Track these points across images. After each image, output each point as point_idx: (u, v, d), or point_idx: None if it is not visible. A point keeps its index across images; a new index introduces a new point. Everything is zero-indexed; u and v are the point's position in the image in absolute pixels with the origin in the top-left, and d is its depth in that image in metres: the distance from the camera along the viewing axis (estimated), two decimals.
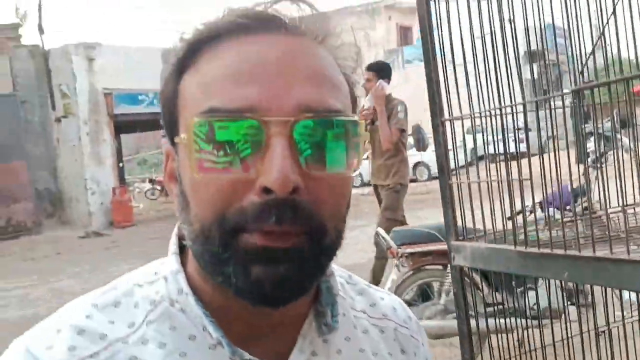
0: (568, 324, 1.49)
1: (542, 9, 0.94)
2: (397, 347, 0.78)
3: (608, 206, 1.21)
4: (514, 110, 1.00)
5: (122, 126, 17.24)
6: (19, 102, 15.17)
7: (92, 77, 15.24)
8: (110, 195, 15.41)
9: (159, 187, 22.55)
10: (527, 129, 0.82)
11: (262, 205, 0.58)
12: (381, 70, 5.63)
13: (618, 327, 1.27)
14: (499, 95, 0.91)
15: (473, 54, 0.93)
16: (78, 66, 15.06)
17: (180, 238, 0.71)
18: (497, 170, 1.10)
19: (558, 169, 0.95)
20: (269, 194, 0.58)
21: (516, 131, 0.88)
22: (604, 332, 1.32)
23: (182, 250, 0.70)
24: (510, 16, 0.82)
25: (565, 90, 0.91)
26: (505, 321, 3.22)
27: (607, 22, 0.75)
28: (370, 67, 5.54)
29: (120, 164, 18.07)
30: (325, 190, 0.61)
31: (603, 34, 0.79)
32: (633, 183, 0.93)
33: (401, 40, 30.72)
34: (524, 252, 0.86)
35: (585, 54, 1.06)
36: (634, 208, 1.04)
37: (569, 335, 1.30)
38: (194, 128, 0.60)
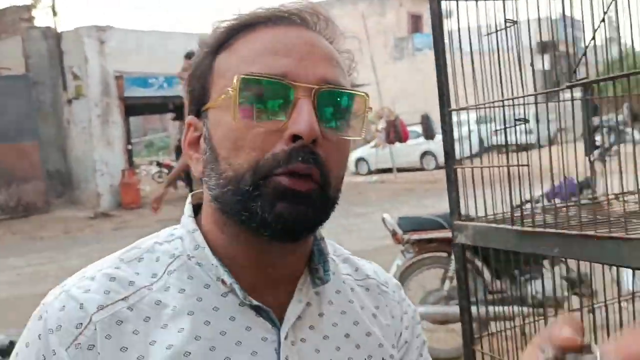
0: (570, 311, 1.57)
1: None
2: (383, 301, 0.89)
3: (608, 193, 1.29)
4: (517, 102, 1.08)
5: (131, 109, 17.35)
6: (30, 83, 15.29)
7: (103, 59, 15.32)
8: (119, 177, 15.55)
9: (166, 170, 22.70)
10: (525, 120, 0.89)
11: (290, 150, 0.71)
12: None
13: (613, 304, 1.35)
14: (501, 87, 0.99)
15: (479, 47, 1.01)
16: (90, 48, 15.14)
17: (193, 205, 0.83)
18: (502, 160, 1.16)
19: (564, 160, 1.01)
20: (295, 141, 0.71)
21: (515, 122, 0.96)
22: (599, 307, 1.41)
23: (195, 215, 0.83)
24: (514, 16, 0.91)
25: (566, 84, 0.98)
26: (507, 309, 3.30)
27: (605, 13, 0.82)
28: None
29: (129, 147, 18.21)
30: (333, 150, 0.75)
31: (603, 21, 0.86)
32: (637, 175, 0.99)
33: (411, 27, 30.60)
34: (520, 231, 0.95)
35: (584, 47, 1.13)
36: (622, 196, 1.11)
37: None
38: (240, 83, 0.72)
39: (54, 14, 15.86)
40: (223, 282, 0.76)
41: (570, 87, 0.83)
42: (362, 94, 0.78)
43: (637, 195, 0.94)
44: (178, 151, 22.73)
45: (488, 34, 0.98)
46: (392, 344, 0.87)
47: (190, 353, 0.72)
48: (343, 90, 0.76)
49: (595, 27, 0.81)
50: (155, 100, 16.60)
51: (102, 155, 15.47)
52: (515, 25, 0.92)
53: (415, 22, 30.97)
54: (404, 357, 0.89)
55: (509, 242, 0.98)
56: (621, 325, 1.48)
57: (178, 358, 0.71)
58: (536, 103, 1.10)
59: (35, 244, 11.26)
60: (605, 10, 0.91)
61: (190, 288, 0.76)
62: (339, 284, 0.86)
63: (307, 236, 0.78)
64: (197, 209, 0.83)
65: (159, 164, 24.89)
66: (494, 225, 1.03)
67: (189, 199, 0.84)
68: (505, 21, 0.92)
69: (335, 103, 0.75)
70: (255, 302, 0.75)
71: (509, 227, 0.99)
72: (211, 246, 0.78)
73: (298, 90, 0.72)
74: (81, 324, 0.71)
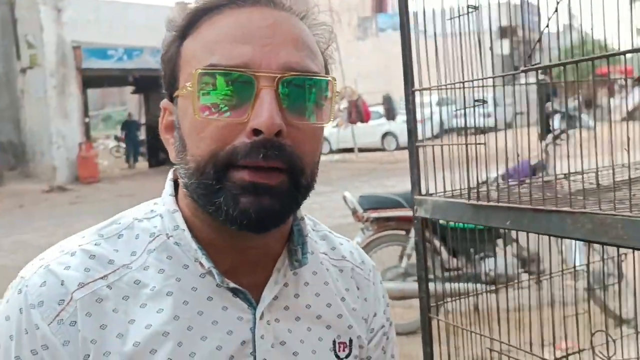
0: (520, 290, 1.66)
1: None
2: (354, 284, 0.91)
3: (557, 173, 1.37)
4: (478, 85, 1.12)
5: (89, 81, 16.95)
6: None
7: (60, 28, 14.87)
8: (76, 150, 15.22)
9: (124, 145, 22.28)
10: (483, 101, 0.95)
11: (251, 144, 0.69)
12: None
13: (560, 276, 1.44)
14: (462, 70, 1.04)
15: (442, 30, 1.05)
16: (46, 16, 14.66)
17: (174, 182, 0.82)
18: (461, 140, 1.21)
19: (520, 143, 1.05)
20: (257, 135, 0.69)
21: (474, 103, 1.02)
22: (541, 281, 1.50)
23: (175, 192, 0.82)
24: (476, 1, 0.96)
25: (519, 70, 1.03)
26: (462, 285, 3.42)
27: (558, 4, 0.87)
28: None
29: (86, 119, 17.81)
30: (303, 137, 0.73)
31: (556, 10, 0.91)
32: (581, 155, 1.05)
33: (376, 7, 30.58)
34: (476, 205, 1.02)
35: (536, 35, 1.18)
36: (569, 176, 1.19)
37: (520, 298, 1.46)
38: (198, 78, 0.71)
39: None
40: (201, 264, 0.76)
41: (525, 72, 0.89)
42: (329, 78, 0.76)
43: (582, 176, 1.02)
44: (124, 126, 21.94)
45: (451, 18, 1.03)
46: (359, 325, 0.88)
47: (168, 333, 0.73)
48: (308, 77, 0.73)
49: (550, 15, 0.86)
50: (114, 73, 16.27)
51: (59, 127, 15.09)
52: (477, 10, 0.97)
53: (380, 2, 30.95)
54: (379, 341, 0.91)
55: (465, 215, 1.05)
56: (563, 301, 1.56)
57: (157, 337, 0.73)
58: (494, 86, 1.15)
59: None
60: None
61: (169, 268, 0.76)
62: (317, 264, 0.87)
63: (276, 227, 0.75)
64: (177, 184, 0.82)
65: (117, 138, 24.41)
66: (451, 200, 1.10)
67: (170, 175, 0.83)
68: (468, 7, 0.97)
69: (300, 90, 0.73)
70: (232, 284, 0.76)
71: (465, 201, 1.05)
72: (189, 227, 0.78)
73: (260, 80, 0.70)
74: (63, 300, 0.71)
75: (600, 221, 0.82)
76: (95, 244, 0.77)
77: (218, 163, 0.71)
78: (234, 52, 0.71)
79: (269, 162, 0.70)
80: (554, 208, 0.87)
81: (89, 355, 0.71)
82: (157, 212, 0.81)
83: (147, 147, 20.37)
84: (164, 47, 0.79)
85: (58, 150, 15.05)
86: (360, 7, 29.41)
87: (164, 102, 0.81)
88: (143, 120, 21.67)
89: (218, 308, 0.76)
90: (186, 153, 0.74)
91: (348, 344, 0.85)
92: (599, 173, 1.17)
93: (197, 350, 0.74)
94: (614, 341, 0.94)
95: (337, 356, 0.84)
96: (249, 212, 0.70)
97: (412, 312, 4.40)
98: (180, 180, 0.77)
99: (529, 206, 0.91)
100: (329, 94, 0.76)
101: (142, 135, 21.14)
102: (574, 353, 1.03)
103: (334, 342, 0.84)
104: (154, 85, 19.20)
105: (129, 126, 21.37)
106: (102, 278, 0.74)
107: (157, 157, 19.81)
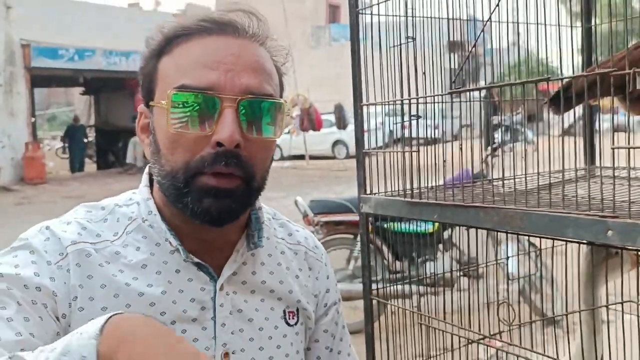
0: (459, 292, 1.83)
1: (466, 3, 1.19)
2: (306, 265, 1.07)
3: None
4: (423, 101, 1.29)
5: (38, 80, 16.58)
6: None
7: (9, 26, 14.52)
8: (22, 150, 14.86)
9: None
10: (418, 116, 1.14)
11: (215, 154, 0.85)
12: None
13: (482, 267, 1.64)
14: (408, 86, 1.22)
15: (387, 53, 1.23)
16: None
17: (149, 175, 0.96)
18: (409, 151, 1.34)
19: (464, 154, 1.21)
20: (220, 146, 0.84)
21: (410, 118, 1.21)
22: (473, 271, 1.69)
23: (150, 184, 0.96)
24: (413, 33, 1.15)
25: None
26: (405, 287, 3.64)
27: (486, 23, 1.04)
28: None
29: (33, 119, 17.38)
30: (256, 148, 0.88)
31: (483, 30, 1.09)
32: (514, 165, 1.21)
33: (329, 17, 30.97)
34: (410, 202, 1.22)
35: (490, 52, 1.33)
36: (490, 181, 1.39)
37: (460, 300, 1.60)
38: (172, 97, 0.86)
39: None
40: (170, 242, 0.90)
41: (451, 94, 1.09)
42: (281, 101, 0.92)
43: (501, 182, 1.22)
44: (68, 133, 20.06)
45: (394, 46, 1.23)
46: (308, 300, 1.04)
47: (143, 294, 0.88)
48: (264, 99, 0.88)
49: (485, 22, 1.03)
50: (64, 73, 15.97)
51: (5, 126, 14.69)
52: (414, 41, 1.17)
53: (334, 12, 31.36)
54: (334, 316, 1.08)
55: (402, 211, 1.25)
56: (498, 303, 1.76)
57: (133, 295, 0.87)
58: (434, 102, 1.34)
59: None
60: (497, 3, 1.11)
61: (144, 246, 0.91)
62: (272, 248, 1.02)
63: (232, 222, 0.90)
64: (152, 177, 0.95)
65: (63, 139, 23.83)
66: (391, 198, 1.30)
67: (146, 170, 0.98)
68: (407, 38, 1.17)
69: (257, 110, 0.88)
70: (196, 260, 0.91)
71: (402, 199, 1.25)
72: (161, 213, 0.92)
73: (224, 100, 0.85)
74: (62, 253, 0.86)
75: (504, 214, 1.03)
76: (87, 221, 0.92)
77: (189, 170, 0.86)
78: (202, 76, 0.86)
79: (229, 169, 0.86)
80: (470, 204, 1.08)
81: (76, 297, 0.85)
82: (135, 200, 0.96)
83: (96, 149, 19.96)
84: (143, 61, 0.94)
85: (3, 149, 14.65)
86: (314, 17, 29.73)
87: (141, 107, 0.96)
88: (92, 121, 21.21)
89: (185, 279, 0.91)
90: (160, 156, 0.89)
91: (296, 312, 1.03)
92: (517, 179, 1.38)
93: (167, 311, 0.89)
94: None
95: (287, 323, 1.01)
96: (210, 211, 0.87)
97: (357, 313, 4.59)
98: (154, 177, 0.92)
99: (452, 203, 1.12)
100: (280, 113, 0.91)
101: (90, 137, 20.59)
102: (479, 340, 1.22)
103: (284, 311, 1.00)
104: (104, 87, 18.86)
105: (73, 132, 19.26)
106: (90, 244, 0.88)
107: (107, 159, 19.47)
